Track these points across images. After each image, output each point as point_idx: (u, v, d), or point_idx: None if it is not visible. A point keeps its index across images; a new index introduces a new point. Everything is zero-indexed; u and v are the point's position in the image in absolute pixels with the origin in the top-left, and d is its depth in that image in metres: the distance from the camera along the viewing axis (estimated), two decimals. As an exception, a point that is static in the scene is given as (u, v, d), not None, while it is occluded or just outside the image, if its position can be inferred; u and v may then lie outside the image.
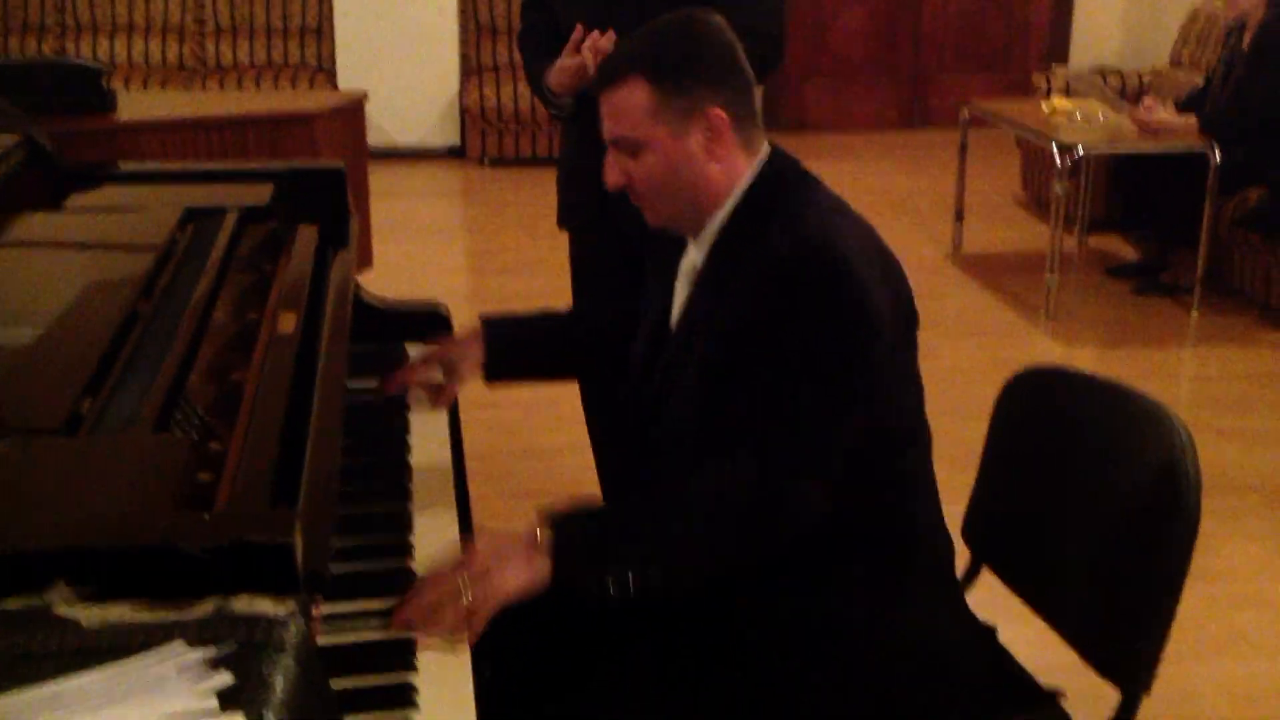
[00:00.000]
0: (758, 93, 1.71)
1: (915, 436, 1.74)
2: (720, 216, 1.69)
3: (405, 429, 2.03)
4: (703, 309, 1.69)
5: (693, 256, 1.75)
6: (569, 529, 1.54)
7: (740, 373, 1.60)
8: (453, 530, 1.72)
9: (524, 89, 7.47)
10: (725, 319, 1.63)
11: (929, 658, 1.69)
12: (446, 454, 1.96)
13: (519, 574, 1.49)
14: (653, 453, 1.79)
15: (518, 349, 2.04)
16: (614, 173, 1.69)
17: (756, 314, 1.59)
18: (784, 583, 1.66)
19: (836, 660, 1.65)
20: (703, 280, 1.71)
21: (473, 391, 2.09)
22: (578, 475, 3.47)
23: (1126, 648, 1.67)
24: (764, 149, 1.71)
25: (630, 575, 1.53)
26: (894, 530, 1.71)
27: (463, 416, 2.21)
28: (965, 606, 1.83)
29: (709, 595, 1.67)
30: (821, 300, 1.57)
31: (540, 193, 7.03)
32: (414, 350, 2.33)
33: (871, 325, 1.58)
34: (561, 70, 2.60)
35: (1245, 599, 3.09)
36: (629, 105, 1.63)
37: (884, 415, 1.65)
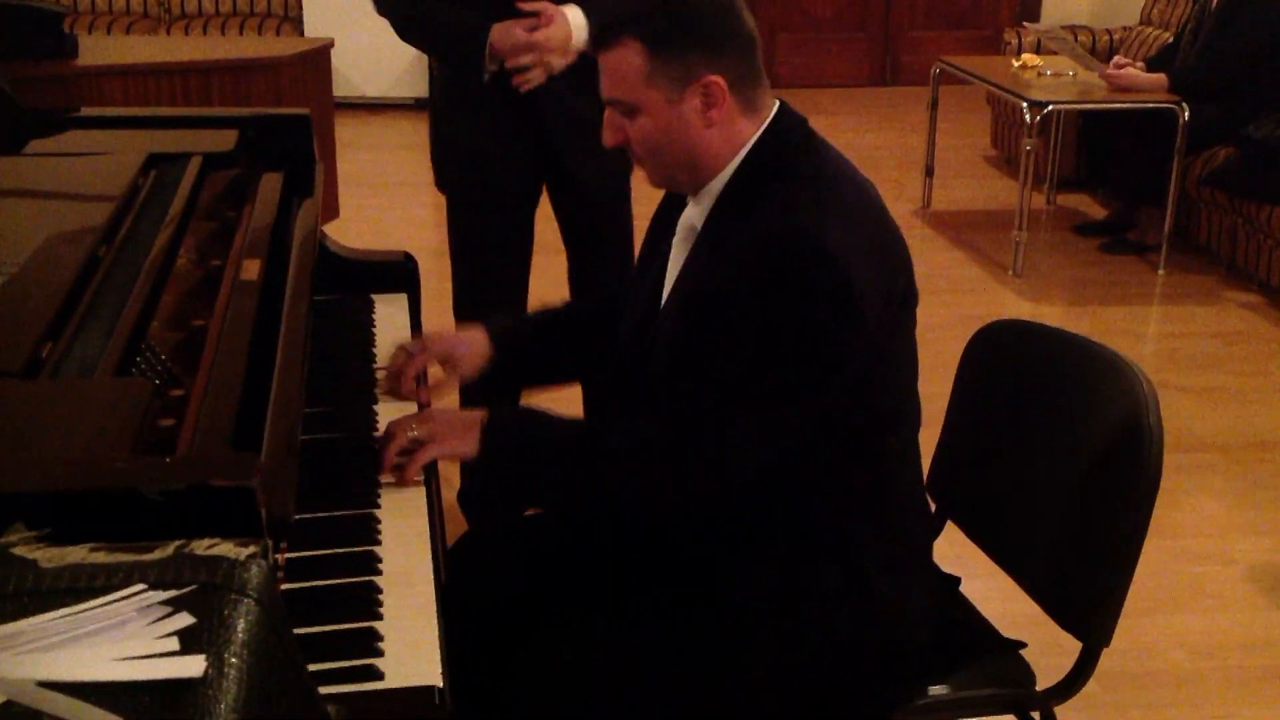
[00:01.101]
0: (759, 50, 1.66)
1: (902, 416, 1.72)
2: (721, 179, 1.66)
3: (371, 379, 2.01)
4: (694, 273, 1.67)
5: (690, 216, 1.72)
6: (505, 426, 1.67)
7: (701, 338, 1.59)
8: (420, 501, 1.71)
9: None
10: (707, 287, 1.61)
11: (897, 624, 1.70)
12: (413, 404, 1.95)
13: (453, 438, 1.66)
14: (629, 402, 1.78)
15: (526, 349, 1.99)
16: (611, 132, 1.66)
17: (733, 287, 1.57)
18: (756, 551, 1.66)
19: (807, 620, 1.66)
20: (698, 245, 1.69)
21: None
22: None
23: (1087, 600, 1.69)
24: (771, 107, 1.67)
25: (533, 487, 1.70)
26: (872, 507, 1.70)
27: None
28: (934, 567, 1.84)
29: (675, 552, 1.68)
30: (798, 289, 1.55)
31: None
32: (380, 302, 2.32)
33: (849, 319, 1.56)
34: (516, 40, 2.52)
35: (1205, 554, 3.13)
36: (623, 68, 1.60)
37: (868, 397, 1.63)
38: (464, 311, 2.84)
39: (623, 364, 1.80)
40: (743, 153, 1.65)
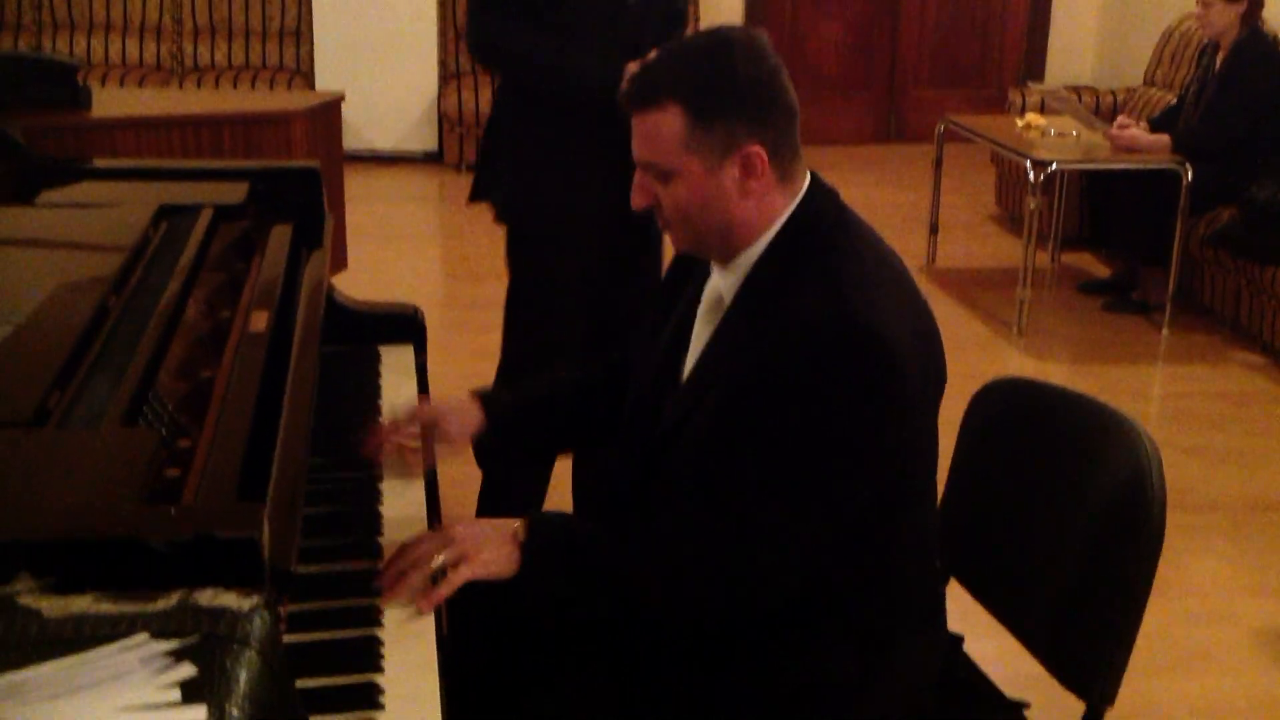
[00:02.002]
0: (798, 121, 1.61)
1: (923, 496, 1.68)
2: (753, 253, 1.60)
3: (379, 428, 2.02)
4: (724, 354, 1.61)
5: (718, 287, 1.66)
6: (545, 533, 1.57)
7: (750, 432, 1.52)
8: (423, 526, 1.72)
9: (502, 96, 7.47)
10: (748, 373, 1.54)
11: (906, 689, 1.69)
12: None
13: (490, 557, 1.53)
14: (649, 488, 1.71)
15: (520, 420, 1.93)
16: (641, 194, 1.61)
17: (782, 378, 1.50)
18: (774, 637, 1.62)
19: (812, 694, 1.63)
20: (730, 320, 1.62)
21: (444, 392, 2.06)
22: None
23: (1090, 660, 1.68)
24: (804, 178, 1.63)
25: (580, 599, 1.58)
26: (889, 586, 1.66)
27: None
28: (944, 631, 1.82)
29: (693, 640, 1.65)
30: (854, 382, 1.49)
31: (517, 199, 7.04)
32: (387, 354, 2.34)
33: (901, 407, 1.52)
34: None
35: (1210, 615, 3.11)
36: (662, 132, 1.54)
37: (897, 482, 1.59)
38: (519, 359, 2.81)
39: (635, 432, 1.75)
40: (777, 225, 1.60)
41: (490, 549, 1.54)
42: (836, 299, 1.51)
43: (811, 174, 1.65)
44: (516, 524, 1.57)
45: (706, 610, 1.58)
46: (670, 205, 1.59)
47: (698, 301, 1.71)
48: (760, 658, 1.62)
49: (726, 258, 1.63)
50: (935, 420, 1.66)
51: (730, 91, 1.54)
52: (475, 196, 2.92)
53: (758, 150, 1.54)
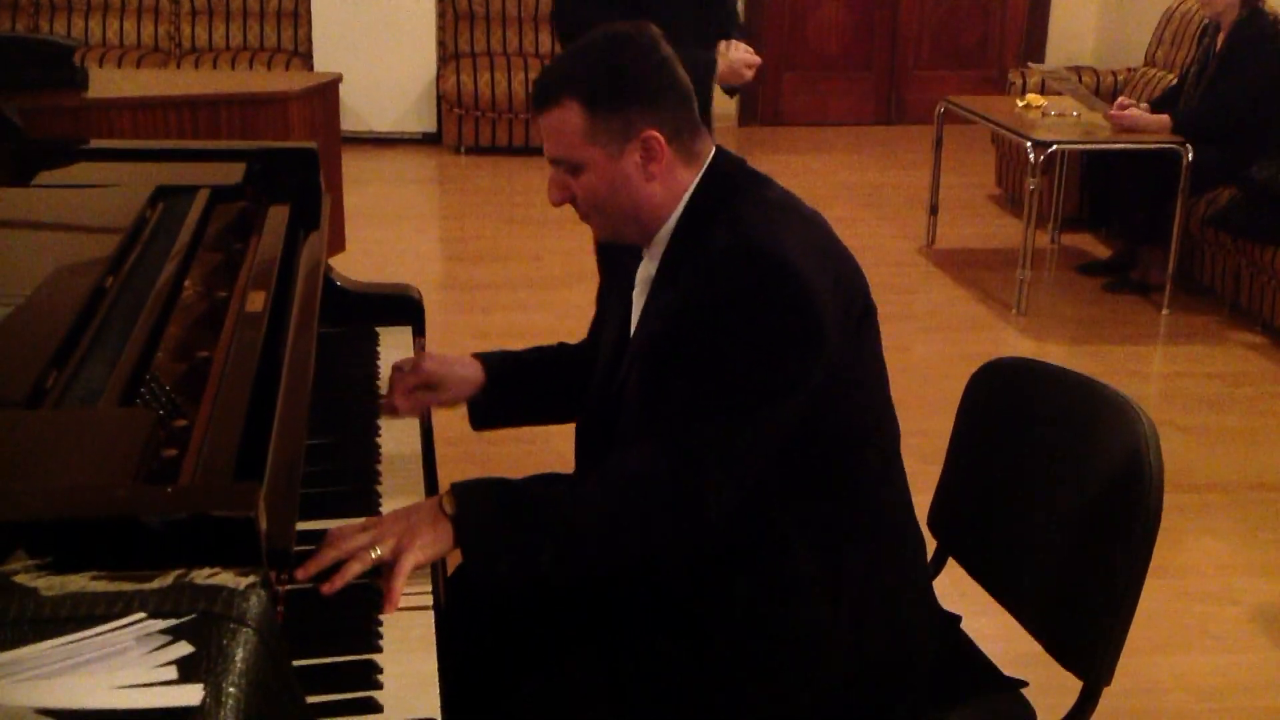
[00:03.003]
0: (694, 102, 1.70)
1: (876, 429, 1.72)
2: (668, 228, 1.69)
3: (375, 412, 2.02)
4: (654, 312, 1.70)
5: (645, 268, 1.75)
6: (473, 502, 1.58)
7: (670, 364, 1.60)
8: (418, 485, 1.73)
9: (500, 76, 7.45)
10: (670, 316, 1.63)
11: (894, 651, 1.69)
12: (416, 436, 1.95)
13: (426, 539, 1.53)
14: (601, 448, 1.76)
15: (513, 380, 2.01)
16: (556, 190, 1.70)
17: (691, 307, 1.60)
18: (741, 578, 1.65)
19: (799, 656, 1.65)
20: (654, 289, 1.72)
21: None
22: (558, 461, 3.47)
23: (1088, 639, 1.68)
24: (708, 153, 1.71)
25: (527, 555, 1.57)
26: (857, 525, 1.69)
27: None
28: (932, 597, 1.84)
29: (668, 591, 1.67)
30: (758, 297, 1.57)
31: (516, 181, 7.03)
32: (385, 335, 2.33)
33: (811, 324, 1.57)
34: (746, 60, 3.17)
35: (1209, 594, 3.12)
36: (565, 127, 1.64)
37: (838, 412, 1.64)
38: None
39: (593, 413, 1.82)
40: (685, 198, 1.68)
41: (423, 531, 1.53)
42: (737, 231, 1.61)
43: (716, 146, 1.73)
44: (445, 498, 1.57)
45: (649, 541, 1.60)
46: (583, 196, 1.68)
47: (634, 287, 1.79)
48: (731, 606, 1.65)
49: (645, 240, 1.72)
50: (874, 355, 1.71)
51: (622, 83, 1.63)
52: None
53: (654, 134, 1.63)
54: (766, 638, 1.65)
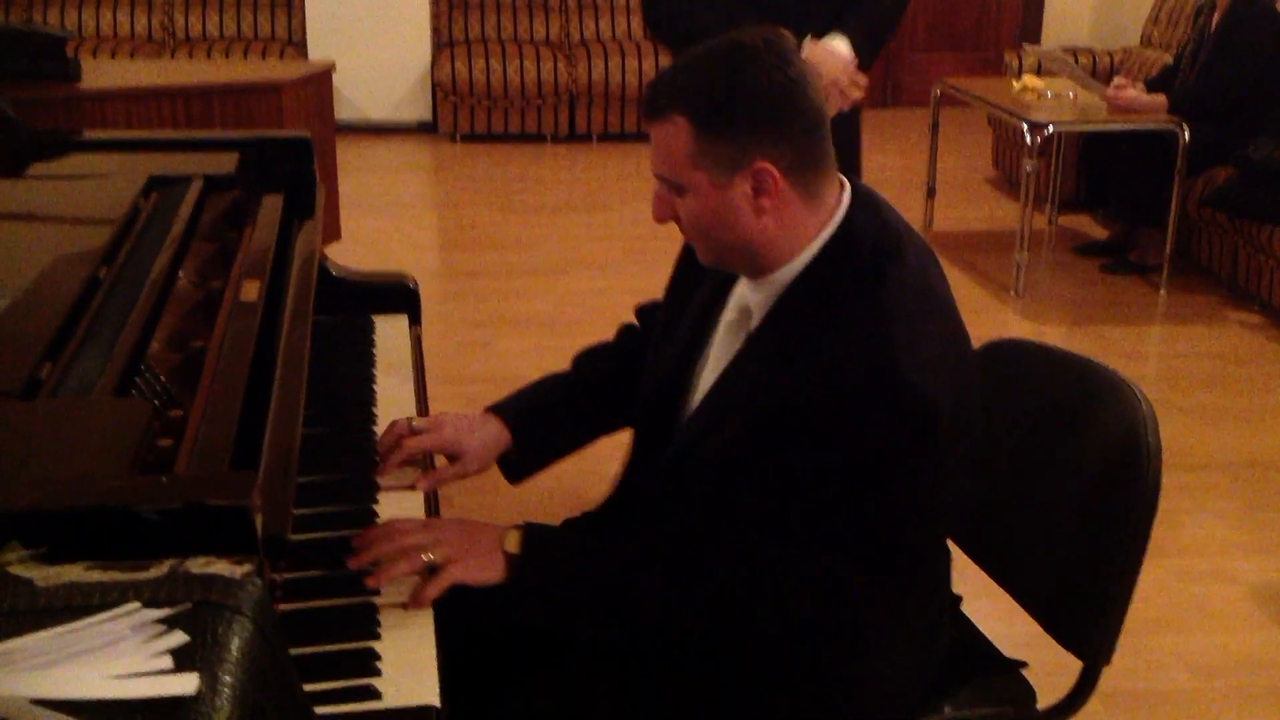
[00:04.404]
0: (825, 133, 1.51)
1: (941, 512, 1.63)
2: (786, 273, 1.53)
3: (371, 400, 2.02)
4: (752, 378, 1.54)
5: (747, 298, 1.59)
6: (537, 553, 1.53)
7: (775, 468, 1.47)
8: (418, 498, 1.72)
9: (496, 63, 7.44)
10: (778, 408, 1.47)
11: (906, 668, 1.69)
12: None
13: (478, 564, 1.50)
14: (661, 504, 1.66)
15: (548, 426, 1.85)
16: (660, 206, 1.55)
17: (816, 422, 1.44)
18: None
19: (816, 683, 1.62)
20: (757, 343, 1.56)
21: (440, 368, 2.05)
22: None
23: (1087, 619, 1.68)
24: (837, 195, 1.55)
25: (574, 618, 1.54)
26: (897, 599, 1.62)
27: (431, 392, 2.20)
28: (948, 610, 1.81)
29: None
30: (890, 439, 1.44)
31: (512, 169, 7.02)
32: (381, 324, 2.33)
33: (932, 459, 1.48)
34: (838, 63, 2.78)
35: (1208, 574, 3.12)
36: (671, 145, 1.48)
37: (920, 513, 1.55)
38: None
39: (649, 439, 1.71)
40: (815, 246, 1.53)
41: (479, 555, 1.51)
42: (881, 351, 1.44)
43: (854, 187, 1.57)
44: (509, 531, 1.53)
45: (707, 638, 1.56)
46: (686, 219, 1.53)
47: (716, 304, 1.66)
48: (759, 648, 1.60)
49: (755, 275, 1.56)
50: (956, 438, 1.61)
51: (737, 104, 1.45)
52: None
53: (768, 167, 1.46)
54: (786, 656, 1.61)
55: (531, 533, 1.54)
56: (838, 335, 1.47)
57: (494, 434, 1.80)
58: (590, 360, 1.92)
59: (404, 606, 1.47)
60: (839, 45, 2.86)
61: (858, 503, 1.47)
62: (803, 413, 1.45)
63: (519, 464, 1.84)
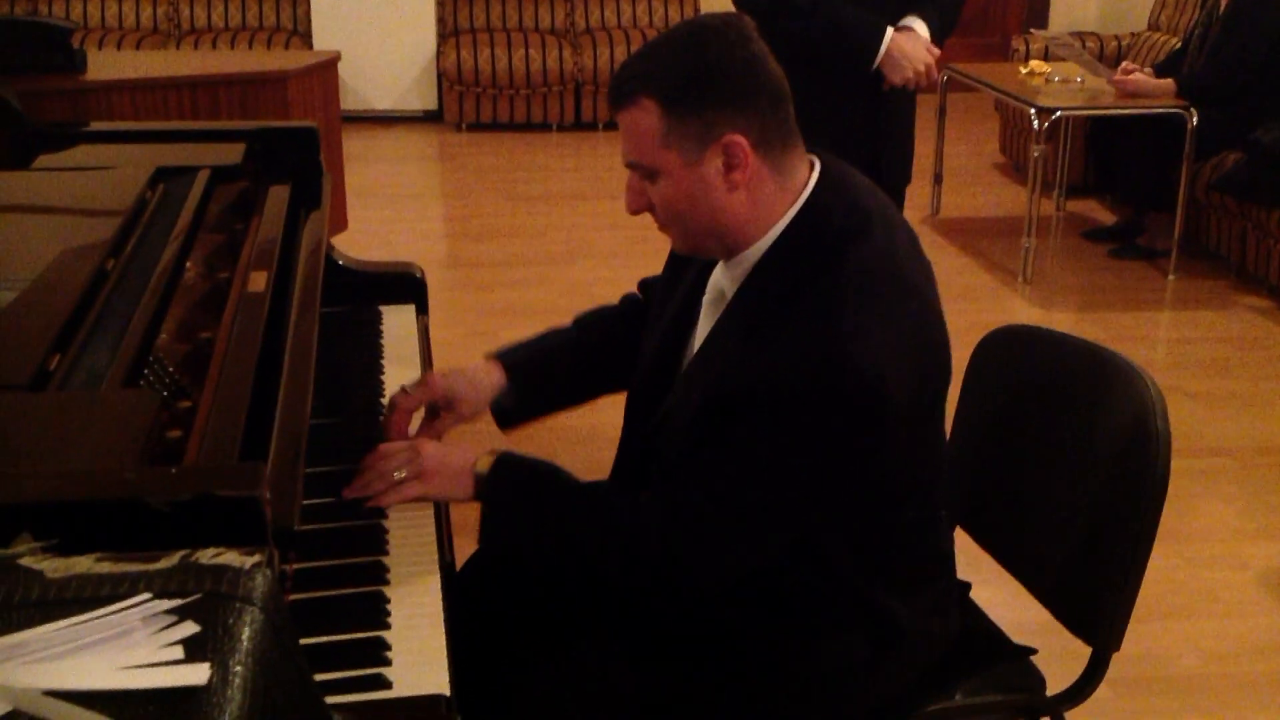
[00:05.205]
0: (790, 106, 1.53)
1: (925, 490, 1.65)
2: (754, 252, 1.55)
3: (380, 390, 2.02)
4: (716, 353, 1.57)
5: (720, 280, 1.62)
6: (504, 473, 1.61)
7: (729, 439, 1.49)
8: None
9: (501, 52, 7.43)
10: (734, 384, 1.49)
11: (921, 659, 1.69)
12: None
13: (444, 483, 1.61)
14: (643, 468, 1.68)
15: (544, 373, 1.87)
16: (633, 197, 1.56)
17: (766, 400, 1.46)
18: (780, 623, 1.62)
19: (834, 689, 1.64)
20: (725, 320, 1.58)
21: (447, 358, 2.05)
22: (553, 438, 3.47)
23: (1096, 605, 1.68)
24: (807, 171, 1.56)
25: (525, 541, 1.62)
26: (898, 574, 1.64)
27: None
28: (956, 597, 1.80)
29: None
30: (836, 419, 1.45)
31: (518, 158, 7.01)
32: (389, 314, 2.33)
33: (878, 435, 1.48)
34: (918, 56, 2.95)
35: (1217, 560, 3.12)
36: (640, 129, 1.49)
37: (888, 481, 1.57)
38: None
39: (637, 408, 1.74)
40: (781, 225, 1.54)
41: (447, 477, 1.60)
42: (831, 330, 1.45)
43: (819, 164, 1.58)
44: (484, 456, 1.61)
45: (643, 589, 1.58)
46: (660, 205, 1.54)
47: (702, 286, 1.68)
48: (765, 637, 1.62)
49: (726, 255, 1.59)
50: (935, 425, 1.63)
51: (703, 81, 1.48)
52: None
53: (737, 139, 1.48)
54: (801, 671, 1.62)
55: (503, 458, 1.62)
56: (794, 312, 1.49)
57: (488, 380, 1.83)
58: (593, 320, 1.95)
59: (367, 505, 1.59)
60: (919, 27, 3.01)
61: (796, 477, 1.50)
62: (754, 386, 1.47)
63: (512, 412, 1.86)
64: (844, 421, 1.46)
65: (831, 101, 2.85)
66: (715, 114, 1.48)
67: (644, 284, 1.96)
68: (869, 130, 3.02)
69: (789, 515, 1.53)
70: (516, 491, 1.61)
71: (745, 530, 1.53)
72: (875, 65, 2.96)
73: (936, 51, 3.03)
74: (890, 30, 2.96)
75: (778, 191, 1.53)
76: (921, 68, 2.98)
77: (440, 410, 1.81)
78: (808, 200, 1.55)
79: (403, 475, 1.59)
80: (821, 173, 1.57)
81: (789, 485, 1.50)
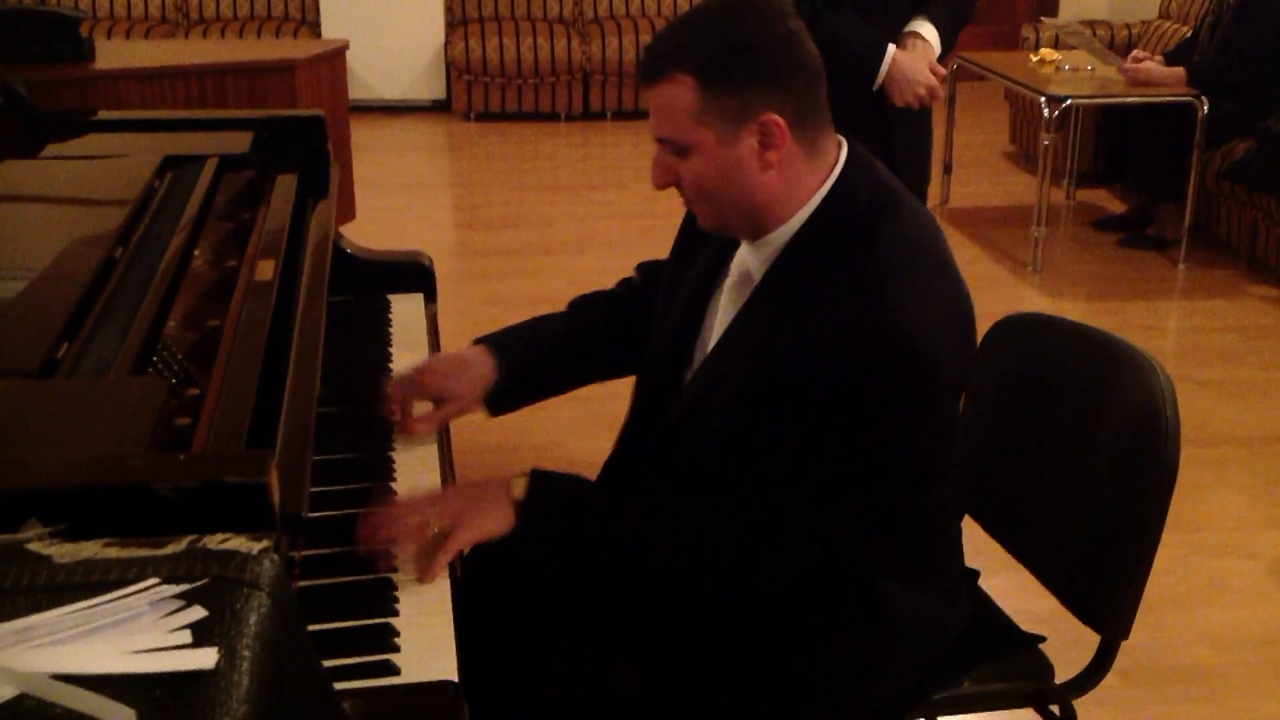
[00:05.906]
0: (824, 86, 1.51)
1: (944, 473, 1.63)
2: (784, 232, 1.53)
3: (388, 379, 2.02)
4: (751, 336, 1.54)
5: (746, 261, 1.59)
6: (543, 495, 1.54)
7: (775, 425, 1.47)
8: (435, 473, 1.73)
9: (510, 41, 7.42)
10: (776, 366, 1.47)
11: (927, 639, 1.69)
12: (428, 400, 1.95)
13: (485, 520, 1.52)
14: (665, 460, 1.66)
15: (539, 360, 1.86)
16: (660, 172, 1.53)
17: (814, 379, 1.44)
18: (794, 619, 1.61)
19: (846, 683, 1.64)
20: (756, 302, 1.55)
21: (456, 347, 2.04)
22: (557, 429, 3.47)
23: (1105, 594, 1.68)
24: (836, 152, 1.55)
25: (579, 565, 1.56)
26: (911, 565, 1.63)
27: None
28: (965, 586, 1.80)
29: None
30: (888, 392, 1.44)
31: (527, 147, 7.01)
32: (397, 303, 2.33)
33: (931, 409, 1.48)
34: (919, 77, 2.90)
35: (1227, 548, 3.11)
36: (674, 104, 1.46)
37: (922, 468, 1.56)
38: None
39: (652, 397, 1.71)
40: (811, 204, 1.52)
41: (485, 512, 1.52)
42: (874, 303, 1.44)
43: (846, 145, 1.57)
44: (516, 479, 1.54)
45: (708, 593, 1.56)
46: (690, 181, 1.51)
47: (717, 270, 1.66)
48: (778, 633, 1.61)
49: (753, 235, 1.56)
50: (959, 402, 1.62)
51: (741, 57, 1.45)
52: None
53: (774, 118, 1.46)
54: (815, 668, 1.62)
55: (538, 478, 1.56)
56: (832, 290, 1.47)
57: (480, 370, 1.82)
58: (587, 306, 1.93)
59: (419, 580, 1.48)
60: (929, 33, 2.98)
61: (858, 458, 1.47)
62: (800, 369, 1.45)
63: (501, 399, 1.85)
64: (895, 393, 1.44)
65: (839, 108, 2.84)
66: (753, 92, 1.45)
67: (644, 266, 1.95)
68: (880, 139, 2.97)
69: (852, 498, 1.50)
70: (561, 511, 1.56)
71: (810, 520, 1.49)
72: (877, 87, 2.95)
73: (941, 71, 3.00)
74: (891, 49, 2.91)
75: (809, 171, 1.52)
76: (923, 91, 2.95)
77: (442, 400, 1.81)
78: (838, 179, 1.53)
79: (436, 532, 1.50)
80: (850, 152, 1.56)
81: (850, 466, 1.47)
